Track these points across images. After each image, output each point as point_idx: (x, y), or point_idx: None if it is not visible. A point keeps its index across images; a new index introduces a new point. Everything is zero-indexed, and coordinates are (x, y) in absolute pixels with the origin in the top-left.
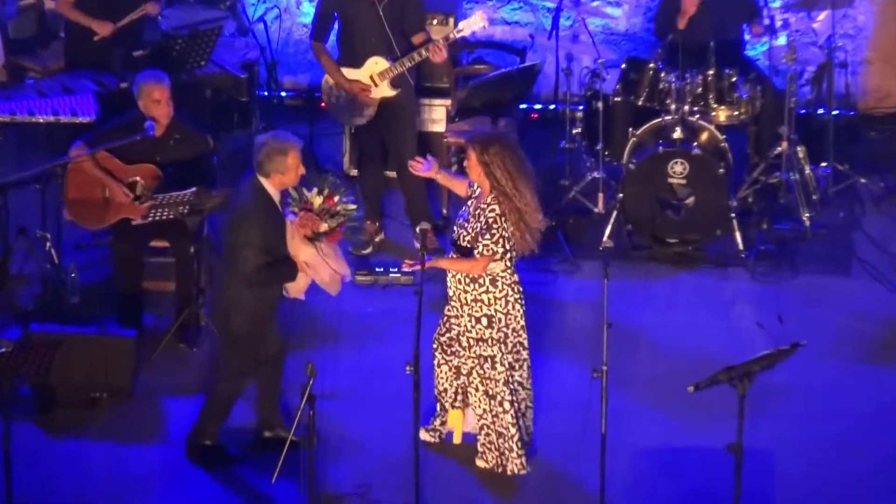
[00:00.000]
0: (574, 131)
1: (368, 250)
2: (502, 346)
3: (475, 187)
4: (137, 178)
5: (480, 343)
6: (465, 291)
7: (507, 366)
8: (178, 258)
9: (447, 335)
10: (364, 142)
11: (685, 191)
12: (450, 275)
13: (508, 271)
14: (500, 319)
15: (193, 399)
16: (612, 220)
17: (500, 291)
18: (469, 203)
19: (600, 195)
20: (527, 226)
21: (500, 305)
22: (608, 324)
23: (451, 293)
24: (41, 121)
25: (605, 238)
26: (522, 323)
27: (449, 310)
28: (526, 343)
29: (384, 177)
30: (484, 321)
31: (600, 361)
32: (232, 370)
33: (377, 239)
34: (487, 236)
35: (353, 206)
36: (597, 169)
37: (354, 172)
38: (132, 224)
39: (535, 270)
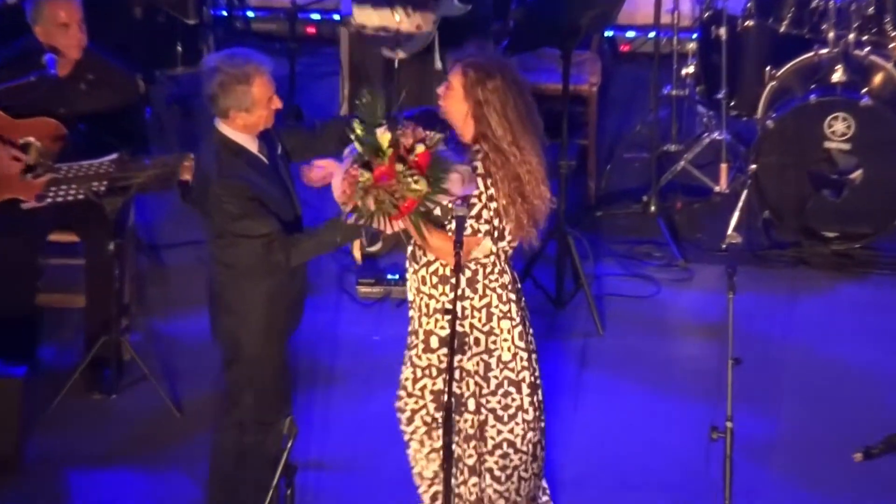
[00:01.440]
0: (684, 72)
1: (377, 247)
2: (483, 387)
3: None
4: (31, 140)
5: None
6: (430, 295)
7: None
8: (91, 260)
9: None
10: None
11: (849, 161)
12: (409, 268)
13: (497, 267)
14: (476, 341)
15: (111, 472)
16: (740, 203)
17: (481, 299)
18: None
19: (723, 167)
20: (525, 201)
21: (480, 320)
22: (734, 359)
23: (409, 297)
24: None
25: (730, 231)
26: (521, 353)
27: (412, 323)
28: (529, 390)
29: None
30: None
31: (722, 415)
32: (249, 417)
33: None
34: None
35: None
36: (718, 128)
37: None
38: (23, 208)
39: (624, 278)
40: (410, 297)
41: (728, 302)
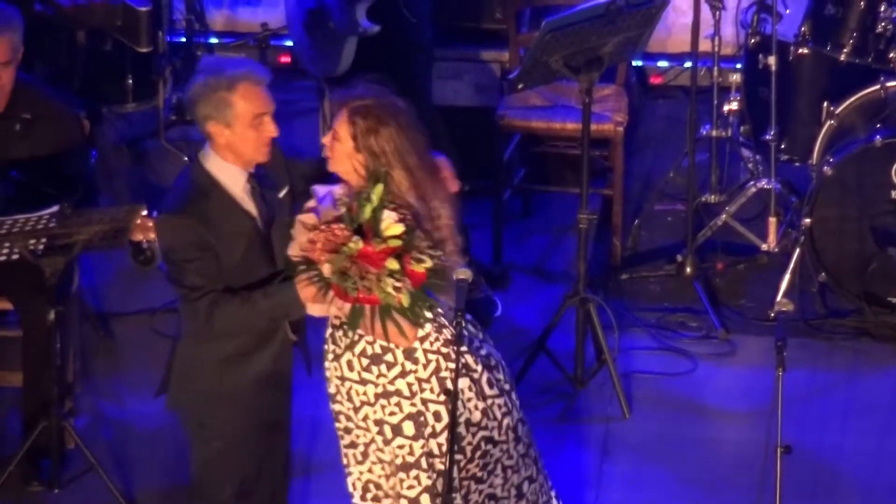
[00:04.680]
0: (726, 108)
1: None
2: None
3: (332, 191)
4: None
5: (413, 470)
6: (362, 381)
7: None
8: (28, 331)
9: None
10: None
11: None
12: (328, 353)
13: (432, 330)
14: (437, 416)
15: None
16: (792, 264)
17: (426, 368)
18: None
19: (771, 221)
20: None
21: (432, 391)
22: (784, 448)
23: (332, 390)
24: None
25: (779, 296)
26: (487, 418)
27: (339, 419)
28: (508, 452)
29: None
30: (408, 428)
31: None
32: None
33: None
34: None
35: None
36: (766, 175)
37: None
38: None
39: (654, 352)
40: (332, 388)
41: (777, 380)
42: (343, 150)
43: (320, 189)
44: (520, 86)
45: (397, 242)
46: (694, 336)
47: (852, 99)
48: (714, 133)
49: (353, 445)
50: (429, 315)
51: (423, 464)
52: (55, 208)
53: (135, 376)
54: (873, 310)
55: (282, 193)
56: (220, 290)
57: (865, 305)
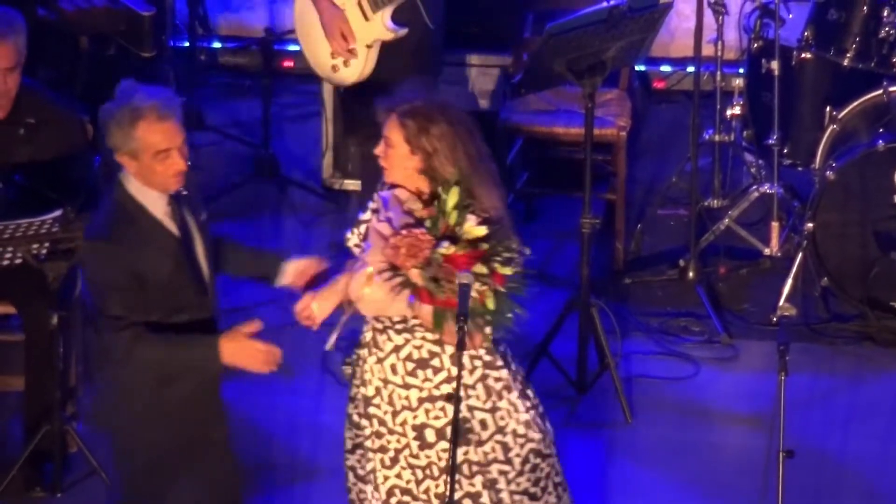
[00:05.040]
0: (729, 112)
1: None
2: (502, 469)
3: (393, 194)
4: None
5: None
6: (406, 385)
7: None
8: (31, 335)
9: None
10: (357, 115)
11: None
12: (368, 357)
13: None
14: (483, 424)
15: None
16: (794, 269)
17: (472, 374)
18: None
19: (774, 225)
20: None
21: (478, 398)
22: (786, 452)
23: (370, 392)
24: None
25: (782, 301)
26: (532, 429)
27: (372, 422)
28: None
29: None
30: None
31: None
32: None
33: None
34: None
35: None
36: (768, 179)
37: (347, 184)
38: None
39: (657, 356)
40: (371, 391)
41: (779, 384)
42: (398, 155)
43: (384, 192)
44: (523, 90)
45: (484, 246)
46: (696, 340)
47: (855, 103)
48: (717, 138)
49: (382, 450)
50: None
51: (465, 470)
52: (58, 213)
53: None
54: (876, 314)
55: (203, 217)
56: (143, 326)
57: (868, 310)
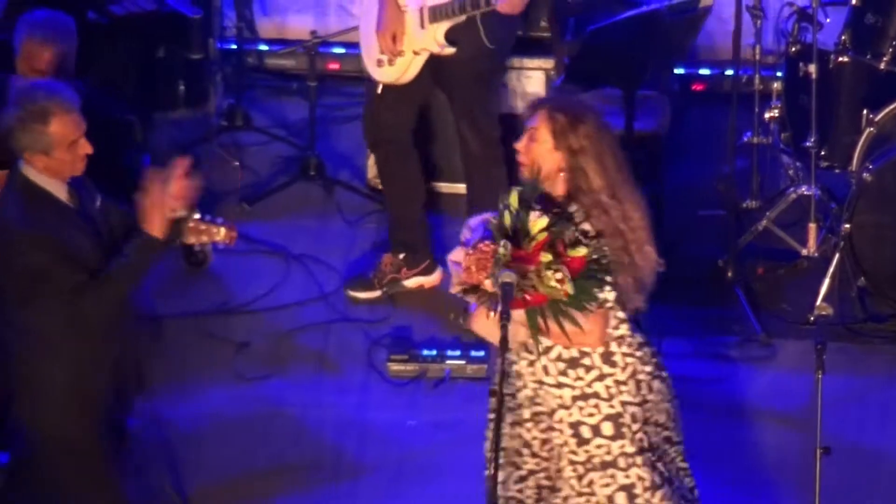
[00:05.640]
0: (767, 115)
1: (373, 295)
2: (649, 457)
3: (485, 220)
4: None
5: (609, 469)
6: (559, 385)
7: (666, 487)
8: None
9: (541, 476)
10: (391, 116)
11: None
12: (521, 362)
13: (627, 333)
14: (634, 417)
15: None
16: (831, 269)
17: (624, 371)
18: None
19: (811, 226)
20: (632, 262)
21: (629, 394)
22: (823, 449)
23: (528, 393)
24: None
25: (819, 301)
26: (669, 419)
27: (529, 430)
28: (682, 454)
29: (421, 179)
30: (607, 428)
31: None
32: None
33: (412, 282)
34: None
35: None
36: (806, 181)
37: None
38: None
39: (693, 357)
40: (530, 392)
41: (816, 383)
42: (540, 151)
43: (474, 220)
44: (564, 86)
45: (544, 234)
46: (734, 340)
47: (892, 107)
48: (755, 140)
49: (547, 443)
50: (621, 315)
51: (621, 463)
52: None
53: (187, 377)
54: None
55: (97, 203)
56: (75, 285)
57: None
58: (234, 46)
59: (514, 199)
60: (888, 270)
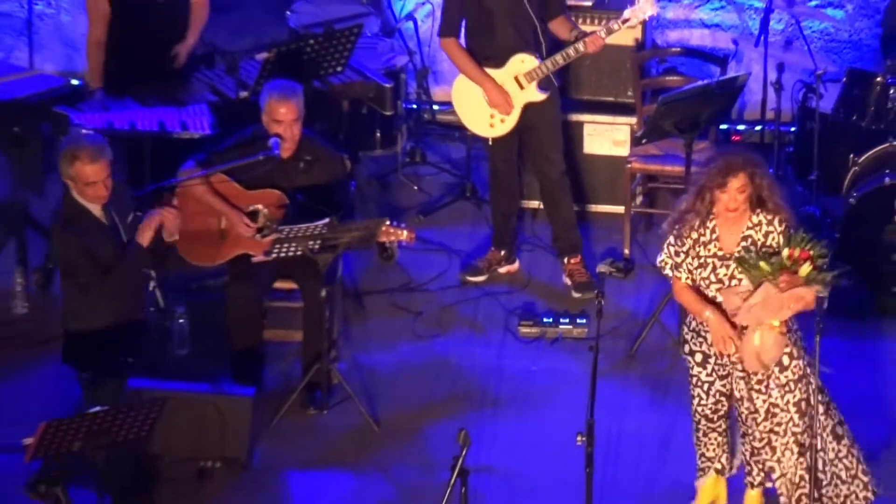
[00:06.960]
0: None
1: (481, 278)
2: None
3: (706, 227)
4: (259, 207)
5: (792, 392)
6: (783, 368)
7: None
8: (307, 303)
9: (747, 406)
10: (499, 155)
11: None
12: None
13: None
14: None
15: (322, 474)
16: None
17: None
18: (707, 250)
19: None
20: None
21: (796, 342)
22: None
23: (794, 376)
24: (145, 134)
25: None
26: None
27: (737, 381)
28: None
29: (518, 197)
30: (804, 405)
31: None
32: None
33: (503, 269)
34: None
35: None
36: (810, 203)
37: (527, 203)
38: (252, 261)
39: None
40: (795, 374)
41: (815, 345)
42: (737, 195)
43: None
44: (644, 141)
45: (808, 267)
46: None
47: (871, 152)
48: (775, 173)
49: (777, 425)
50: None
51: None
52: (326, 220)
53: (378, 335)
54: (879, 295)
55: (129, 219)
56: (89, 279)
57: (873, 291)
58: (415, 106)
59: (806, 270)
60: (865, 264)
